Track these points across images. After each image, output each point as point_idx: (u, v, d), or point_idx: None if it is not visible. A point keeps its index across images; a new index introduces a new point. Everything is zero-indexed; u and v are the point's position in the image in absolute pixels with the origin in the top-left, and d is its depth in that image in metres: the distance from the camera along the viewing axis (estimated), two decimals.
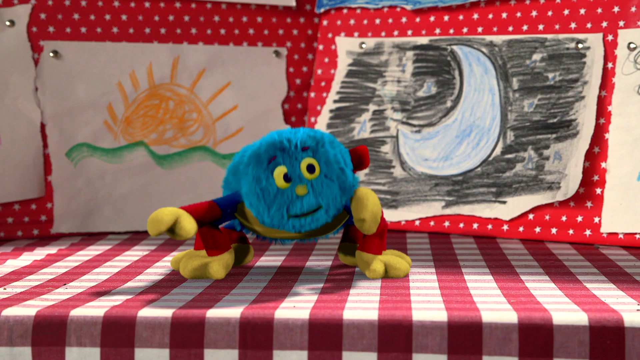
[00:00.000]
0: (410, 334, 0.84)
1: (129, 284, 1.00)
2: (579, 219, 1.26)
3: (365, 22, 1.46)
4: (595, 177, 1.25)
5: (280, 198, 0.98)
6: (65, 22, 1.37)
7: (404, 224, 1.36)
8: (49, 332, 0.86)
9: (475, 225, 1.32)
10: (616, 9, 1.28)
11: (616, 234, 1.23)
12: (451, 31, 1.39)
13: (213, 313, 0.86)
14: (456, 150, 1.35)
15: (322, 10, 1.49)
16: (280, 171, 0.98)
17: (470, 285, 0.98)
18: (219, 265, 1.02)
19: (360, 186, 0.97)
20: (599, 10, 1.29)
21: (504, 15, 1.36)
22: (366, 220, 0.98)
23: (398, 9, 1.44)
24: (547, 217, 1.28)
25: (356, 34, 1.46)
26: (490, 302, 0.90)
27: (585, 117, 1.27)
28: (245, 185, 0.99)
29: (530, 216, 1.29)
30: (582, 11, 1.30)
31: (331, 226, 1.03)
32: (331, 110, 1.44)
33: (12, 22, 1.34)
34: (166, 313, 0.86)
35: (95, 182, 1.37)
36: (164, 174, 1.41)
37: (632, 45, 1.26)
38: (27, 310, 0.88)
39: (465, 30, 1.39)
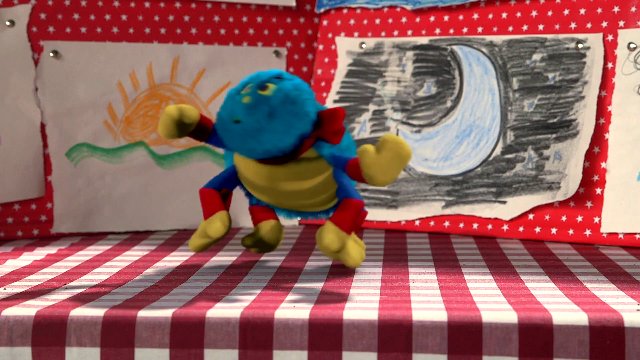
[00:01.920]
0: (410, 334, 0.84)
1: (129, 284, 1.00)
2: (579, 219, 1.26)
3: (365, 22, 1.46)
4: (595, 177, 1.25)
5: (231, 102, 1.00)
6: (65, 22, 1.37)
7: (404, 224, 1.36)
8: (49, 332, 0.86)
9: (475, 225, 1.32)
10: (616, 9, 1.28)
11: (616, 234, 1.23)
12: (451, 31, 1.39)
13: (213, 313, 0.86)
14: (456, 150, 1.35)
15: (322, 10, 1.49)
16: (244, 82, 1.01)
17: (470, 285, 0.98)
18: (217, 222, 1.03)
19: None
20: (599, 10, 1.29)
21: (504, 15, 1.36)
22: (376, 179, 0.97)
23: (398, 9, 1.44)
24: (547, 217, 1.28)
25: (356, 34, 1.46)
26: (490, 302, 0.90)
27: (585, 117, 1.27)
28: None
29: (530, 216, 1.29)
30: (582, 11, 1.30)
31: (322, 202, 1.04)
32: None
33: (12, 22, 1.34)
34: (166, 313, 0.86)
35: (95, 182, 1.37)
36: (164, 174, 1.41)
37: (632, 45, 1.26)
38: (27, 310, 0.88)
39: (465, 30, 1.39)
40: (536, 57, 1.32)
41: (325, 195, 1.06)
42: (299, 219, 1.11)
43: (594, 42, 1.28)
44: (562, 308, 0.87)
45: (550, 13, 1.33)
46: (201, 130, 1.04)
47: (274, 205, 1.10)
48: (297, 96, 0.99)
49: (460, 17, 1.39)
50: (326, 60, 1.48)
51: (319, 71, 1.48)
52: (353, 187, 1.04)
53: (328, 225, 1.00)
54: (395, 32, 1.43)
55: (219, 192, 1.07)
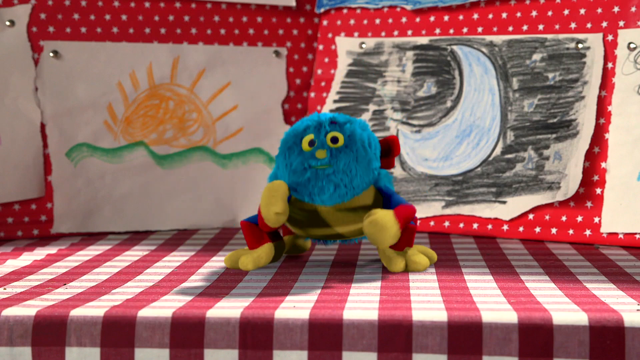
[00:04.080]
0: (410, 334, 0.84)
1: (129, 284, 1.00)
2: (579, 219, 1.26)
3: (365, 22, 1.46)
4: (595, 177, 1.25)
5: (300, 156, 1.06)
6: (65, 22, 1.37)
7: None
8: (49, 332, 0.86)
9: (475, 225, 1.32)
10: (616, 9, 1.28)
11: (616, 234, 1.23)
12: (451, 31, 1.39)
13: (213, 313, 0.86)
14: (456, 150, 1.35)
15: (322, 10, 1.49)
16: (307, 138, 1.06)
17: (470, 285, 0.99)
18: (247, 258, 1.06)
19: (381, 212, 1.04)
20: (599, 10, 1.29)
21: (504, 15, 1.36)
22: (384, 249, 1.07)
23: (398, 9, 1.44)
24: (547, 217, 1.28)
25: (356, 34, 1.46)
26: (490, 302, 0.90)
27: (585, 117, 1.27)
28: (278, 155, 1.08)
29: (530, 216, 1.29)
30: (582, 11, 1.30)
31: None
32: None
33: (12, 22, 1.34)
34: (166, 313, 0.87)
35: (95, 182, 1.37)
36: (164, 174, 1.41)
37: (632, 45, 1.26)
38: (27, 310, 0.88)
39: (465, 30, 1.39)
40: (536, 57, 1.32)
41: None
42: (335, 243, 1.13)
43: (594, 42, 1.28)
44: (562, 308, 0.87)
45: (550, 13, 1.33)
46: None
47: (311, 237, 1.12)
48: (370, 137, 1.07)
49: (460, 17, 1.39)
50: (326, 60, 1.48)
51: (319, 71, 1.48)
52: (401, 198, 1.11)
53: (388, 252, 1.07)
54: (395, 32, 1.43)
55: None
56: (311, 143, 1.06)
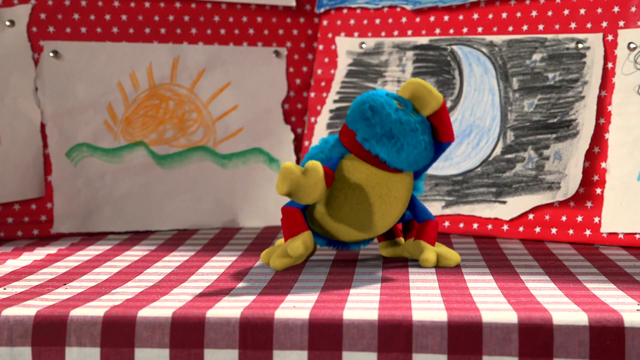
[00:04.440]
0: (410, 334, 0.84)
1: (129, 284, 1.00)
2: (579, 219, 1.26)
3: (365, 22, 1.46)
4: (595, 177, 1.25)
5: (400, 111, 1.07)
6: (65, 22, 1.37)
7: None
8: (49, 332, 0.86)
9: (475, 225, 1.32)
10: (616, 9, 1.28)
11: (616, 234, 1.23)
12: (451, 31, 1.39)
13: (213, 313, 0.86)
14: (456, 150, 1.35)
15: (322, 10, 1.49)
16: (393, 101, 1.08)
17: (470, 285, 0.99)
18: (296, 242, 1.04)
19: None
20: (599, 10, 1.29)
21: (504, 15, 1.36)
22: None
23: (398, 9, 1.44)
24: (547, 217, 1.28)
25: (356, 34, 1.46)
26: (490, 302, 0.90)
27: (585, 117, 1.27)
28: (351, 122, 1.08)
29: (530, 216, 1.29)
30: (582, 11, 1.30)
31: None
32: (331, 110, 1.44)
33: (12, 22, 1.34)
34: (166, 313, 0.87)
35: (95, 182, 1.37)
36: (164, 174, 1.41)
37: (632, 45, 1.26)
38: (27, 310, 0.88)
39: (465, 30, 1.39)
40: (536, 57, 1.32)
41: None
42: (336, 249, 1.14)
43: (594, 42, 1.28)
44: (562, 308, 0.87)
45: (550, 13, 1.33)
46: None
47: (327, 237, 1.11)
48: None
49: (460, 17, 1.39)
50: (326, 60, 1.48)
51: (319, 71, 1.48)
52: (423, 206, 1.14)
53: (421, 245, 1.10)
54: (395, 32, 1.43)
55: (302, 210, 1.07)
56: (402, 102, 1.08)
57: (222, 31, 1.45)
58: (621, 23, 1.27)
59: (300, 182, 1.02)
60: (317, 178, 1.03)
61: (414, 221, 1.14)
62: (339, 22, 1.48)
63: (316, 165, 1.03)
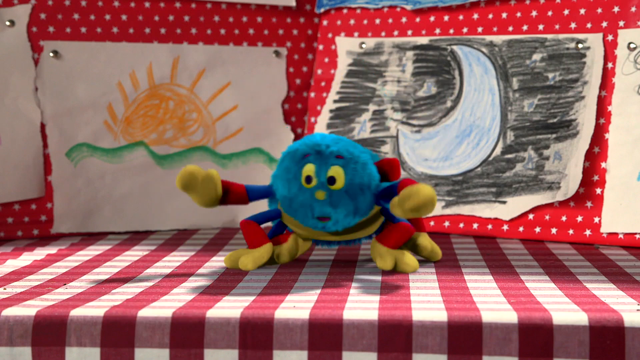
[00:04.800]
0: (410, 334, 0.84)
1: (129, 284, 1.00)
2: (579, 219, 1.26)
3: (365, 22, 1.46)
4: (595, 177, 1.25)
5: (302, 195, 1.05)
6: (65, 22, 1.37)
7: None
8: (49, 332, 0.86)
9: (475, 225, 1.32)
10: (616, 9, 1.28)
11: (616, 234, 1.23)
12: (451, 31, 1.39)
13: (213, 313, 0.86)
14: (456, 150, 1.35)
15: (322, 10, 1.49)
16: (308, 169, 1.05)
17: (470, 285, 0.98)
18: (248, 258, 1.06)
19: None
20: (599, 10, 1.29)
21: (504, 15, 1.36)
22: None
23: (398, 9, 1.44)
24: (547, 217, 1.28)
25: (356, 34, 1.46)
26: (490, 302, 0.90)
27: (585, 117, 1.27)
28: (278, 173, 1.07)
29: (530, 216, 1.29)
30: (582, 11, 1.30)
31: (369, 228, 1.09)
32: (331, 110, 1.44)
33: (12, 22, 1.34)
34: (166, 313, 0.86)
35: (95, 182, 1.37)
36: (164, 174, 1.41)
37: (632, 45, 1.26)
38: (27, 310, 0.88)
39: (465, 30, 1.39)
40: (536, 57, 1.32)
41: (377, 225, 1.11)
42: (337, 247, 1.14)
43: (594, 42, 1.28)
44: (562, 308, 0.87)
45: (550, 13, 1.33)
46: (233, 196, 1.10)
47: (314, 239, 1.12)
48: (370, 178, 1.06)
49: (460, 17, 1.39)
50: (326, 60, 1.48)
51: (319, 71, 1.48)
52: None
53: (377, 247, 1.07)
54: (395, 32, 1.43)
55: (259, 225, 1.10)
56: (308, 179, 1.05)
57: (222, 31, 1.45)
58: (621, 23, 1.27)
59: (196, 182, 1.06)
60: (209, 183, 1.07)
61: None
62: (339, 22, 1.48)
63: (212, 173, 1.07)
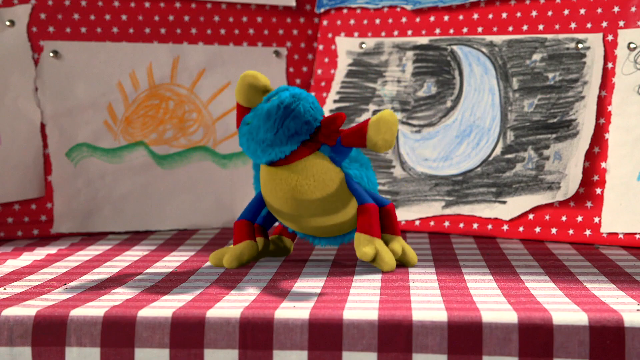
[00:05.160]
0: (410, 334, 0.84)
1: (129, 284, 1.00)
2: (579, 219, 1.26)
3: (365, 22, 1.46)
4: (595, 177, 1.25)
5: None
6: (65, 22, 1.37)
7: (404, 224, 1.36)
8: (49, 332, 0.86)
9: (475, 225, 1.32)
10: (616, 9, 1.28)
11: (616, 234, 1.23)
12: (451, 31, 1.39)
13: (213, 313, 0.86)
14: (456, 150, 1.35)
15: (322, 10, 1.49)
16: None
17: (470, 285, 0.99)
18: (230, 255, 1.08)
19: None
20: (599, 10, 1.29)
21: (504, 15, 1.36)
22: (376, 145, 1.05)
23: (398, 9, 1.44)
24: (547, 217, 1.28)
25: (356, 34, 1.46)
26: (490, 302, 0.90)
27: (585, 117, 1.27)
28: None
29: (530, 216, 1.29)
30: (582, 11, 1.30)
31: (350, 224, 1.09)
32: (331, 110, 1.44)
33: (12, 22, 1.34)
34: (166, 313, 0.87)
35: (95, 182, 1.37)
36: (164, 174, 1.41)
37: (632, 45, 1.26)
38: (27, 310, 0.88)
39: (465, 30, 1.39)
40: (536, 57, 1.32)
41: (342, 206, 1.09)
42: (323, 245, 1.14)
43: (594, 42, 1.28)
44: (562, 308, 0.87)
45: (550, 13, 1.33)
46: None
47: (298, 231, 1.12)
48: (291, 102, 1.08)
49: (460, 17, 1.39)
50: (326, 60, 1.48)
51: (319, 71, 1.48)
52: (365, 192, 1.09)
53: (357, 236, 1.06)
54: (395, 32, 1.43)
55: (251, 222, 1.11)
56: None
57: (222, 31, 1.45)
58: (621, 23, 1.27)
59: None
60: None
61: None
62: (339, 22, 1.48)
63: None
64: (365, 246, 1.05)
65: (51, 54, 1.36)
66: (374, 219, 1.07)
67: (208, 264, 1.12)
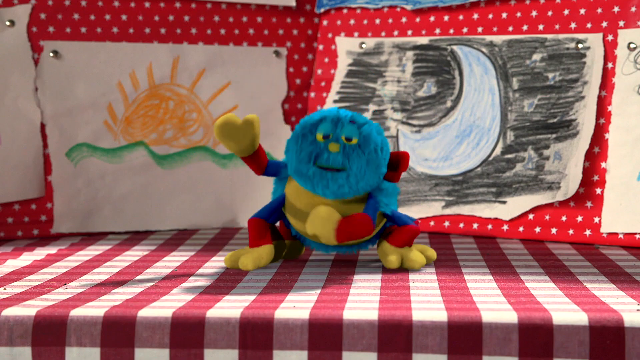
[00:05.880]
0: (410, 334, 0.84)
1: (129, 284, 1.00)
2: (579, 219, 1.26)
3: (365, 22, 1.46)
4: (595, 177, 1.25)
5: (312, 146, 1.05)
6: (65, 22, 1.37)
7: None
8: (49, 332, 0.86)
9: (475, 225, 1.32)
10: (616, 9, 1.28)
11: (616, 234, 1.23)
12: (451, 31, 1.39)
13: (213, 313, 0.86)
14: (456, 150, 1.35)
15: (322, 10, 1.49)
16: (323, 128, 1.05)
17: (470, 285, 0.99)
18: (247, 258, 1.06)
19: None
20: (599, 10, 1.29)
21: (504, 15, 1.36)
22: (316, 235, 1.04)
23: (398, 9, 1.44)
24: (547, 217, 1.28)
25: (356, 34, 1.46)
26: (490, 302, 0.90)
27: (585, 117, 1.27)
28: (289, 146, 1.06)
29: (530, 216, 1.29)
30: (582, 11, 1.30)
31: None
32: None
33: (12, 22, 1.34)
34: (166, 313, 0.87)
35: (95, 182, 1.37)
36: (164, 174, 1.41)
37: (632, 45, 1.26)
38: (27, 310, 0.88)
39: (465, 30, 1.39)
40: (536, 57, 1.32)
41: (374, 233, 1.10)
42: (335, 252, 1.14)
43: (594, 42, 1.28)
44: (562, 308, 0.87)
45: (550, 13, 1.33)
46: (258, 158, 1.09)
47: (312, 240, 1.11)
48: (383, 142, 1.06)
49: (460, 17, 1.39)
50: (326, 60, 1.48)
51: (319, 71, 1.48)
52: (403, 215, 1.11)
53: (385, 246, 1.08)
54: (395, 32, 1.43)
55: (267, 221, 1.10)
56: (325, 136, 1.05)
57: (222, 31, 1.45)
58: (621, 23, 1.27)
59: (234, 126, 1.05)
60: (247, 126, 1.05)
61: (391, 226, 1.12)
62: (339, 22, 1.48)
63: (252, 119, 1.06)
64: (389, 256, 1.07)
65: (51, 54, 1.36)
66: (409, 238, 1.09)
67: (208, 263, 1.12)
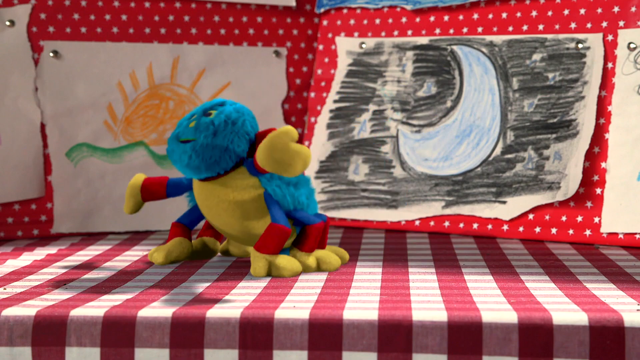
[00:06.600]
0: (410, 334, 0.84)
1: (129, 284, 1.00)
2: (579, 219, 1.26)
3: (365, 22, 1.46)
4: (595, 177, 1.25)
5: (178, 129, 1.08)
6: (65, 22, 1.37)
7: (404, 224, 1.36)
8: (49, 332, 0.86)
9: (475, 225, 1.32)
10: (616, 9, 1.28)
11: (616, 234, 1.23)
12: (451, 31, 1.39)
13: (213, 313, 0.86)
14: (456, 150, 1.35)
15: (322, 10, 1.49)
16: (191, 113, 1.09)
17: (470, 285, 0.99)
18: (159, 253, 1.11)
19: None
20: (599, 10, 1.29)
21: (504, 15, 1.36)
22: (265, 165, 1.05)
23: (398, 9, 1.44)
24: (547, 217, 1.28)
25: (356, 34, 1.46)
26: (490, 302, 0.90)
27: (585, 117, 1.27)
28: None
29: (530, 216, 1.29)
30: (582, 11, 1.30)
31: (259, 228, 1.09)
32: (331, 110, 1.44)
33: (12, 22, 1.34)
34: (166, 313, 0.87)
35: (95, 182, 1.37)
36: (164, 174, 1.41)
37: (632, 45, 1.26)
38: (27, 310, 0.88)
39: (465, 30, 1.39)
40: (536, 57, 1.32)
41: (257, 218, 1.08)
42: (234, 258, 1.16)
43: (594, 42, 1.28)
44: (562, 308, 0.87)
45: (550, 13, 1.33)
46: (153, 192, 1.15)
47: (235, 240, 1.13)
48: (237, 118, 1.07)
49: (460, 17, 1.39)
50: (326, 60, 1.48)
51: (319, 71, 1.48)
52: (282, 214, 1.07)
53: (252, 253, 1.07)
54: (395, 32, 1.43)
55: (184, 223, 1.15)
56: (190, 117, 1.08)
57: (222, 31, 1.45)
58: (621, 23, 1.27)
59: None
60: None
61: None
62: (339, 22, 1.48)
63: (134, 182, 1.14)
64: (256, 264, 1.05)
65: (51, 54, 1.36)
66: (276, 239, 1.06)
67: (208, 263, 1.12)
